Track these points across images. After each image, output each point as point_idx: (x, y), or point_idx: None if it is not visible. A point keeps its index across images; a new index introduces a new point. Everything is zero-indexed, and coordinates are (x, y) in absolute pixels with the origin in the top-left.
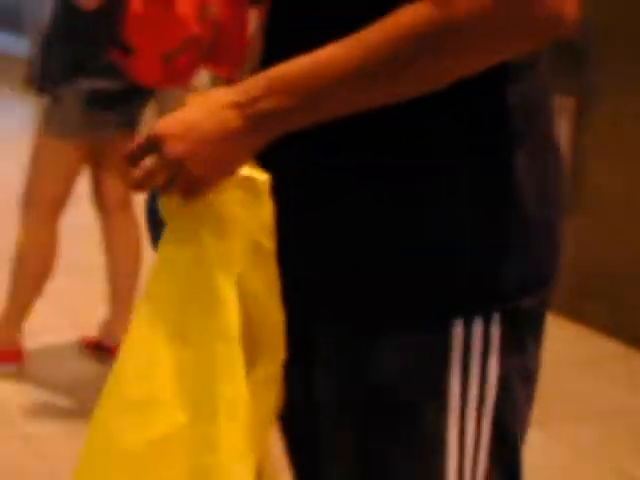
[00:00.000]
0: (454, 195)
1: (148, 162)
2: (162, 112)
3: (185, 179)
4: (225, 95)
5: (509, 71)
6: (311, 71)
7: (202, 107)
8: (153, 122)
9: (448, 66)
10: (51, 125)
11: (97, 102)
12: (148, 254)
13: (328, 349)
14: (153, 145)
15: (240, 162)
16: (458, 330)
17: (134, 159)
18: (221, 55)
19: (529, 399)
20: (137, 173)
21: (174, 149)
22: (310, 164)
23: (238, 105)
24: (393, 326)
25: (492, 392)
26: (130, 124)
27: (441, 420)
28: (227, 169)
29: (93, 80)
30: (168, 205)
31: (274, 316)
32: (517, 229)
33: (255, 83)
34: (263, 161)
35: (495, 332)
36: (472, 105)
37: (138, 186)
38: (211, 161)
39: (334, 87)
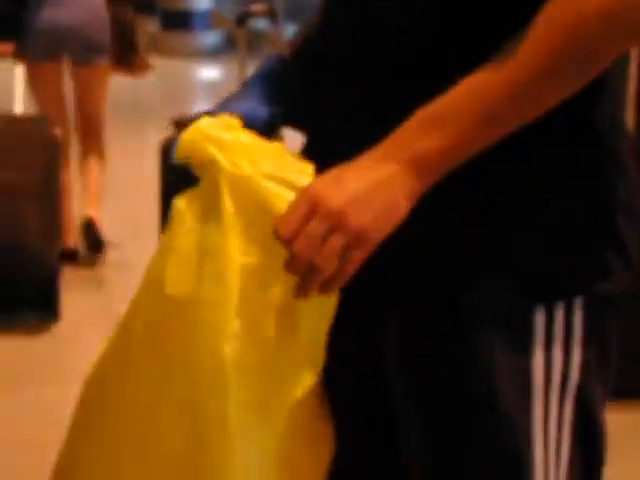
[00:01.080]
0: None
1: (309, 228)
2: None
3: (345, 235)
4: (372, 151)
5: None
6: (463, 102)
7: (350, 163)
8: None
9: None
10: None
11: None
12: None
13: (411, 347)
14: (308, 203)
15: (402, 212)
16: (540, 318)
17: (289, 224)
18: None
19: (607, 383)
20: (301, 243)
21: (330, 201)
22: None
23: (389, 155)
24: (481, 319)
25: (575, 379)
26: None
27: (524, 407)
28: (390, 219)
29: None
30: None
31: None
32: (603, 215)
33: (402, 130)
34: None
35: (578, 318)
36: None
37: (303, 259)
38: (372, 212)
39: (497, 110)
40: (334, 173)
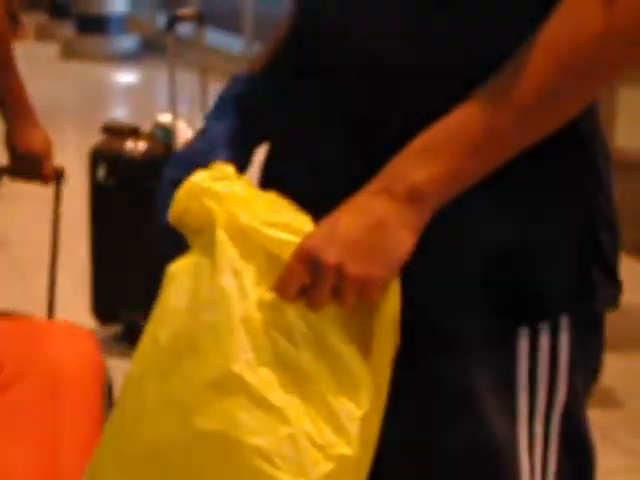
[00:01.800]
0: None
1: (307, 282)
2: None
3: (351, 284)
4: (367, 187)
5: None
6: (461, 129)
7: (344, 207)
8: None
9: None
10: None
11: None
12: None
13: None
14: (304, 262)
15: (404, 247)
16: (524, 345)
17: (290, 286)
18: None
19: (588, 395)
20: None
21: (326, 257)
22: None
23: (383, 189)
24: (464, 345)
25: (560, 401)
26: None
27: (510, 435)
28: (392, 259)
29: None
30: None
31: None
32: (586, 230)
33: (395, 162)
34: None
35: (564, 341)
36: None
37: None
38: (370, 256)
39: (493, 138)
40: (326, 225)
